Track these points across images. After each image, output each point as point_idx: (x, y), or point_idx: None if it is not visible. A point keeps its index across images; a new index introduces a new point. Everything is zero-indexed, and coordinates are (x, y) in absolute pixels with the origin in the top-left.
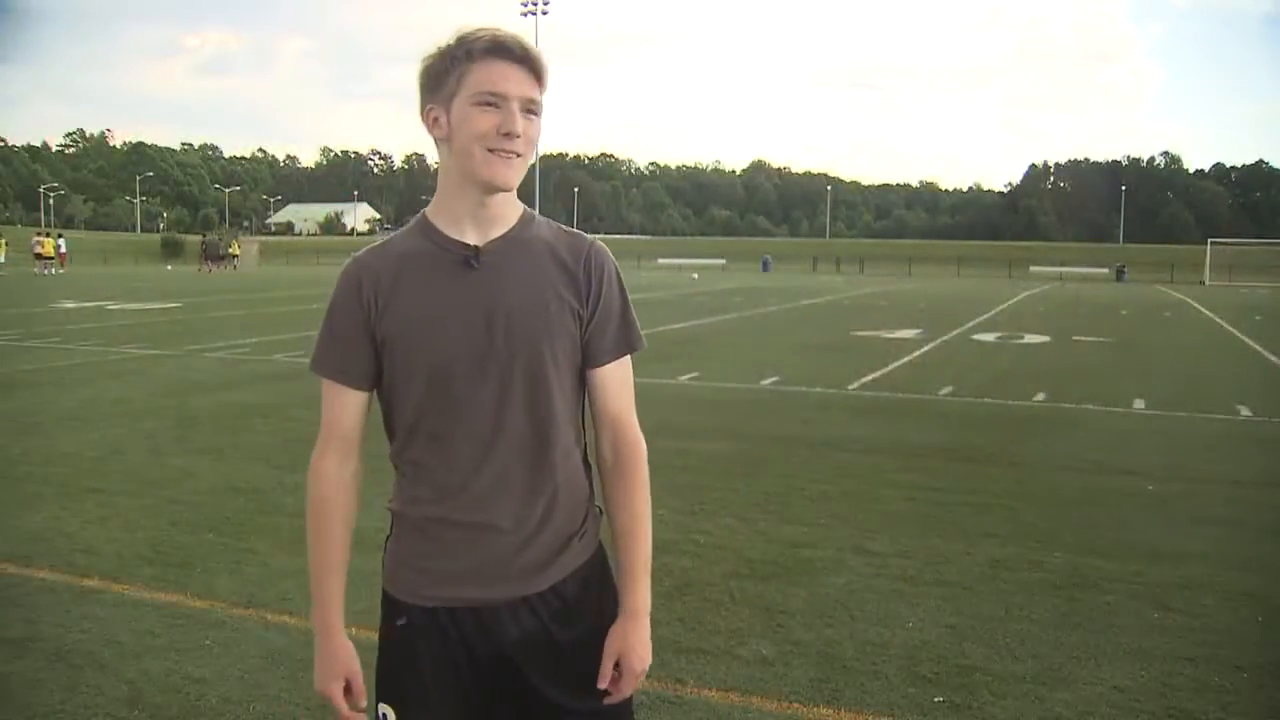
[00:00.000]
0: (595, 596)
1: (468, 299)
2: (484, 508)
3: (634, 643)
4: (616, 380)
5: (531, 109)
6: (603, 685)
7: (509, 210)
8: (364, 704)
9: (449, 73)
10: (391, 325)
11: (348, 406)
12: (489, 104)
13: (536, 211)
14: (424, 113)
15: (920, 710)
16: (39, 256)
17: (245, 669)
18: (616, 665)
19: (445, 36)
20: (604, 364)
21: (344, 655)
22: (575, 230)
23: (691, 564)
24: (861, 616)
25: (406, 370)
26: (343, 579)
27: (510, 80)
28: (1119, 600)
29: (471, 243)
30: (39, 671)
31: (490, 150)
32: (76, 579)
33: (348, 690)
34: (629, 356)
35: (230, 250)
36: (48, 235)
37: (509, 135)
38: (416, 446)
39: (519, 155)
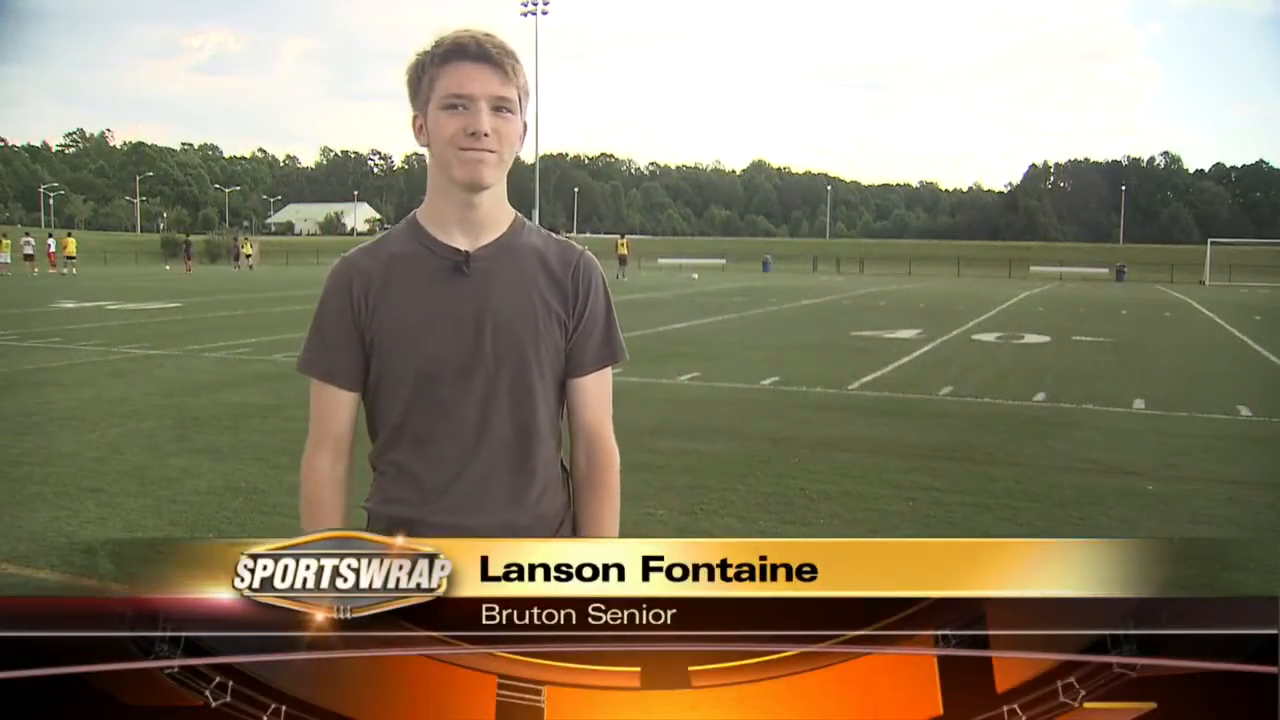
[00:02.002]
0: None
1: (457, 303)
2: (464, 512)
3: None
4: (597, 391)
5: (502, 105)
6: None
7: (498, 214)
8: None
9: (421, 78)
10: (381, 327)
11: (337, 407)
12: (454, 106)
13: (537, 212)
14: (411, 120)
15: None
16: (29, 258)
17: None
18: None
19: (426, 42)
20: (585, 374)
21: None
22: (566, 239)
23: None
24: None
25: (394, 372)
26: None
27: (475, 80)
28: None
29: (462, 247)
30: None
31: (461, 150)
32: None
33: None
34: (610, 369)
35: (243, 249)
36: (55, 234)
37: (475, 134)
38: (400, 448)
39: (491, 152)
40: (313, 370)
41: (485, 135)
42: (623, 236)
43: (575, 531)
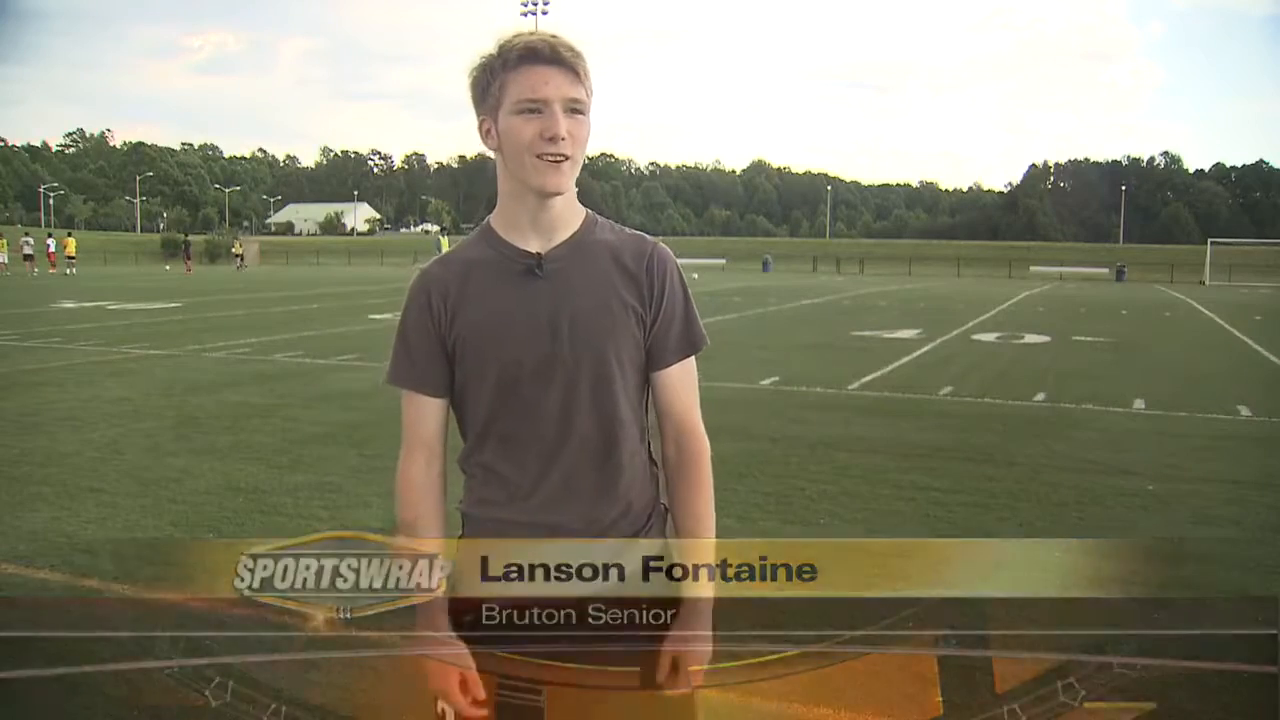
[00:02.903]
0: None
1: (533, 303)
2: (553, 510)
3: (690, 638)
4: (681, 381)
5: (575, 108)
6: (660, 679)
7: (570, 214)
8: (482, 697)
9: (491, 83)
10: (460, 331)
11: (426, 414)
12: (531, 110)
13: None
14: (479, 124)
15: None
16: (29, 258)
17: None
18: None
19: (488, 45)
20: (668, 365)
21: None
22: (638, 232)
23: None
24: None
25: (476, 374)
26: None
27: (549, 84)
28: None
29: (534, 249)
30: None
31: (538, 157)
32: (76, 579)
33: (464, 686)
34: (692, 358)
35: (234, 249)
36: (54, 234)
37: (554, 139)
38: (487, 450)
39: (567, 158)
40: (400, 381)
41: (562, 139)
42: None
43: (672, 522)
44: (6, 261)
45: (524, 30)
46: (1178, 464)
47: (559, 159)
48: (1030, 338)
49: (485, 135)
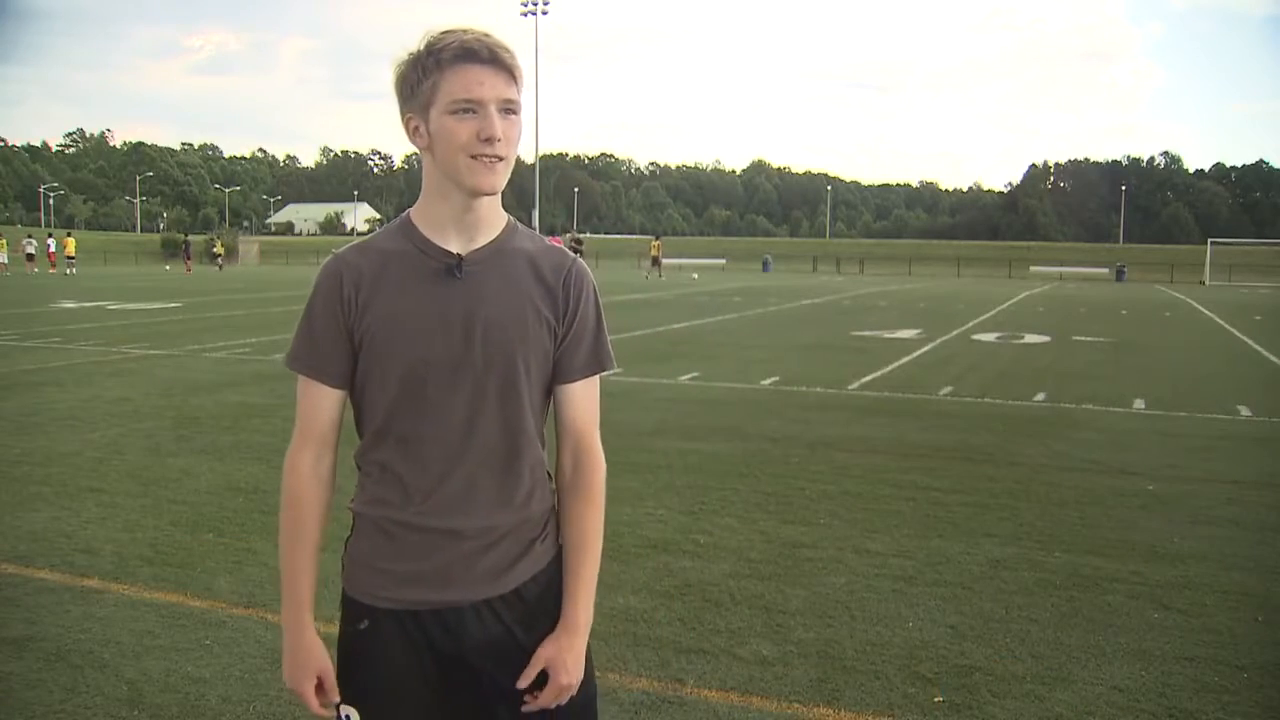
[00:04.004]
0: (556, 598)
1: (447, 305)
2: (450, 513)
3: (565, 657)
4: (584, 397)
5: (509, 108)
6: (521, 686)
7: (493, 217)
8: (336, 699)
9: (422, 81)
10: (370, 325)
11: (324, 404)
12: (466, 110)
13: (537, 212)
14: (404, 121)
15: (920, 710)
16: (30, 258)
17: (245, 669)
18: (543, 676)
19: (415, 41)
20: (573, 380)
21: (316, 652)
22: (559, 246)
23: (691, 564)
24: (861, 616)
25: (381, 371)
26: (314, 576)
27: (484, 84)
28: (1119, 600)
29: (454, 250)
30: (39, 671)
31: (473, 157)
32: (76, 579)
33: (319, 687)
34: (598, 376)
35: (215, 249)
36: (55, 234)
37: (489, 140)
38: (385, 448)
39: (501, 159)
40: (299, 366)
41: (498, 140)
42: (656, 238)
43: (560, 536)
44: (7, 261)
45: (455, 27)
46: (1178, 464)
47: (494, 159)
48: (1030, 338)
49: (413, 133)
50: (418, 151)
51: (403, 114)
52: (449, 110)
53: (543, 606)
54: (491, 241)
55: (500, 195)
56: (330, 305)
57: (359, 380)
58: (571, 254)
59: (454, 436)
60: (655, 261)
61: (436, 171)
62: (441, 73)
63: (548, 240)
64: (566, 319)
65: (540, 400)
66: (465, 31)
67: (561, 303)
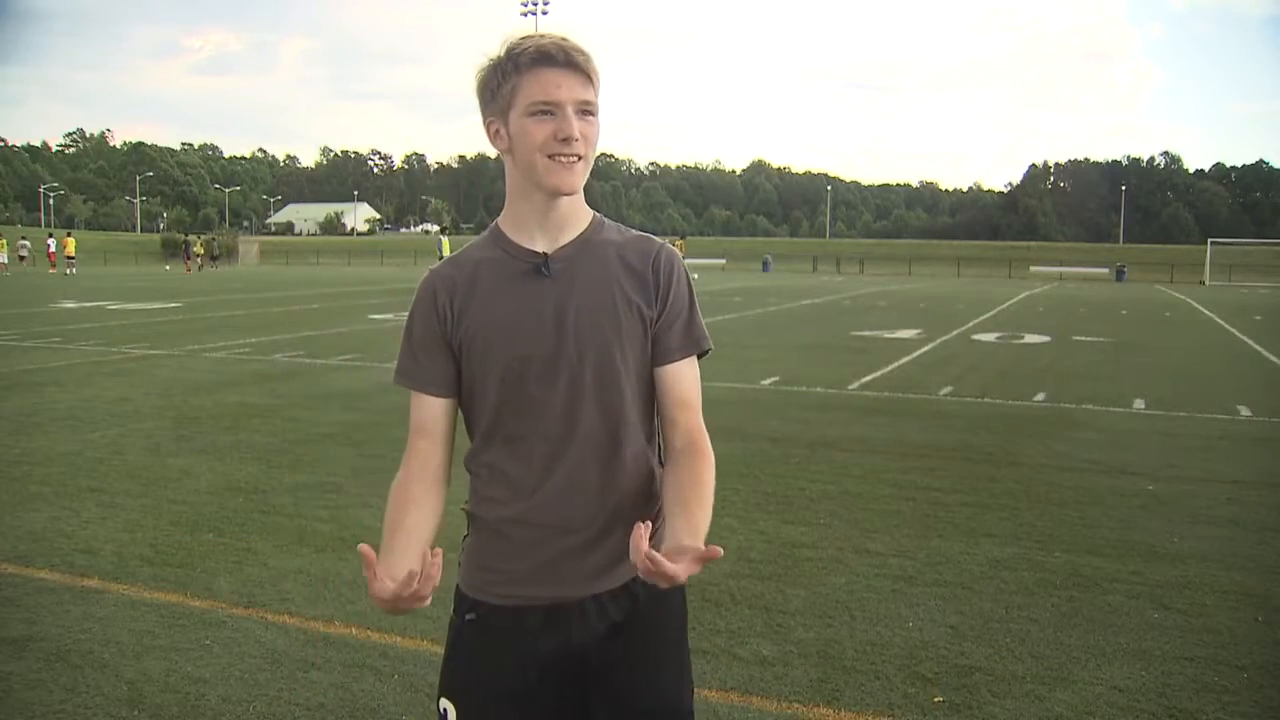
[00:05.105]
0: (667, 595)
1: (539, 302)
2: (557, 508)
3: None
4: (684, 378)
5: (586, 109)
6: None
7: (577, 214)
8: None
9: (501, 85)
10: (467, 331)
11: (432, 413)
12: (544, 113)
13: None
14: (486, 125)
15: (920, 710)
16: (22, 259)
17: (245, 669)
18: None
19: (495, 47)
20: (672, 362)
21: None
22: (645, 234)
23: None
24: (861, 616)
25: (483, 374)
26: (407, 538)
27: (561, 87)
28: (1119, 600)
29: (541, 249)
30: (39, 671)
31: (550, 157)
32: (76, 579)
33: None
34: (696, 358)
35: (194, 249)
36: (55, 234)
37: (567, 140)
38: (493, 449)
39: (580, 158)
40: (405, 381)
41: (576, 140)
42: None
43: (663, 513)
44: (6, 262)
45: (533, 33)
46: (1177, 464)
47: (572, 159)
48: (1030, 338)
49: (494, 136)
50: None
51: (484, 118)
52: (528, 113)
53: (651, 602)
54: (578, 237)
55: (582, 194)
56: (427, 318)
57: (465, 388)
58: (659, 240)
59: (555, 430)
60: None
61: (518, 174)
62: (520, 76)
63: (633, 232)
64: (659, 302)
65: (641, 389)
66: (542, 36)
67: (653, 288)
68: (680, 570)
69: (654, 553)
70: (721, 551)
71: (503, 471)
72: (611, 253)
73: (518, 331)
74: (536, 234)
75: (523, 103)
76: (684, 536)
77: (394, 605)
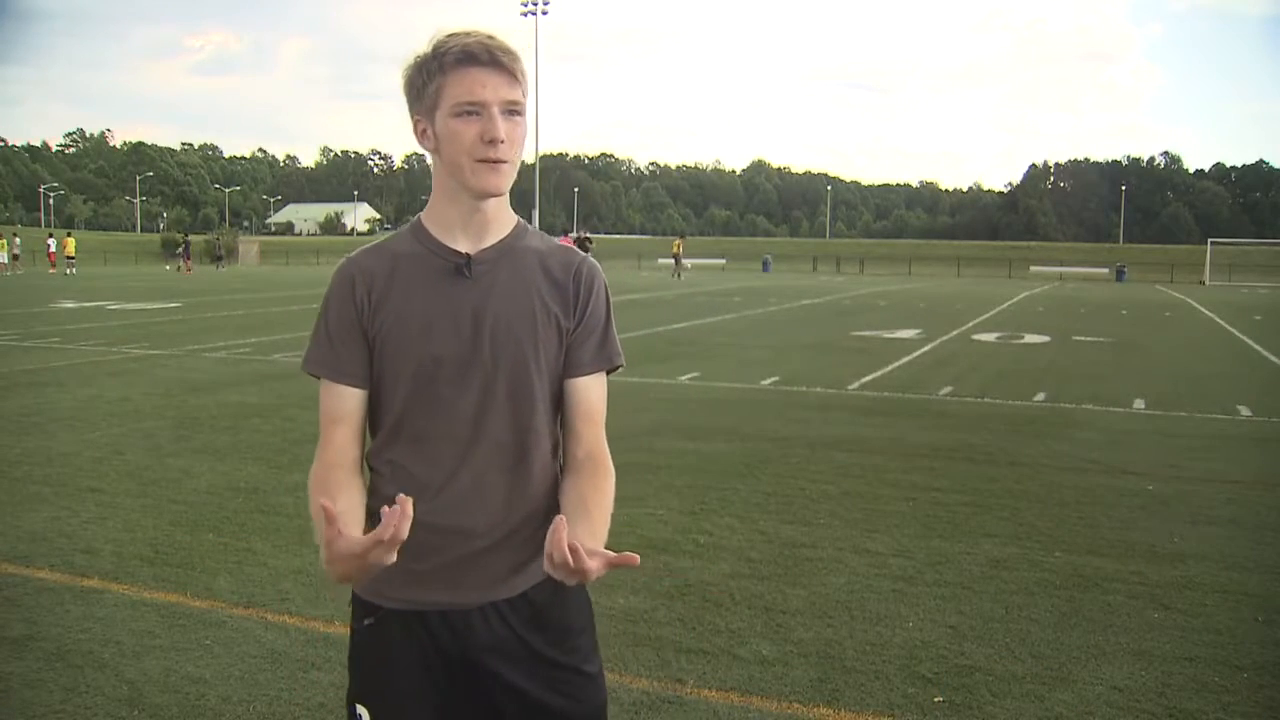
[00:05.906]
0: (566, 605)
1: (457, 303)
2: (459, 512)
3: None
4: (593, 393)
5: (513, 109)
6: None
7: (502, 217)
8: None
9: (427, 84)
10: (382, 325)
11: (345, 404)
12: (469, 113)
13: (537, 212)
14: (413, 124)
15: (920, 710)
16: (15, 259)
17: (245, 669)
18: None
19: (422, 44)
20: (583, 375)
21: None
22: (570, 247)
23: (691, 564)
24: (861, 616)
25: (394, 370)
26: (343, 520)
27: (486, 86)
28: (1119, 600)
29: (463, 250)
30: (39, 671)
31: (478, 160)
32: (76, 579)
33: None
34: (606, 374)
35: (177, 249)
36: (54, 234)
37: (493, 142)
38: (397, 447)
39: (506, 161)
40: (320, 370)
41: (501, 142)
42: (681, 236)
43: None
44: (6, 262)
45: (458, 30)
46: (1177, 464)
47: (498, 161)
48: (1030, 338)
49: (421, 136)
50: (424, 153)
51: (411, 117)
52: (453, 113)
53: (551, 609)
54: (501, 241)
55: (508, 196)
56: (344, 307)
57: (374, 381)
58: (581, 252)
59: (464, 433)
60: (677, 260)
61: (444, 174)
62: (445, 76)
63: (558, 240)
64: (577, 314)
65: (551, 400)
66: (468, 34)
67: (572, 298)
68: (594, 569)
69: (578, 545)
70: (638, 560)
71: (406, 470)
72: (534, 260)
73: (433, 331)
74: (459, 234)
75: (448, 103)
76: (585, 538)
77: (361, 561)
